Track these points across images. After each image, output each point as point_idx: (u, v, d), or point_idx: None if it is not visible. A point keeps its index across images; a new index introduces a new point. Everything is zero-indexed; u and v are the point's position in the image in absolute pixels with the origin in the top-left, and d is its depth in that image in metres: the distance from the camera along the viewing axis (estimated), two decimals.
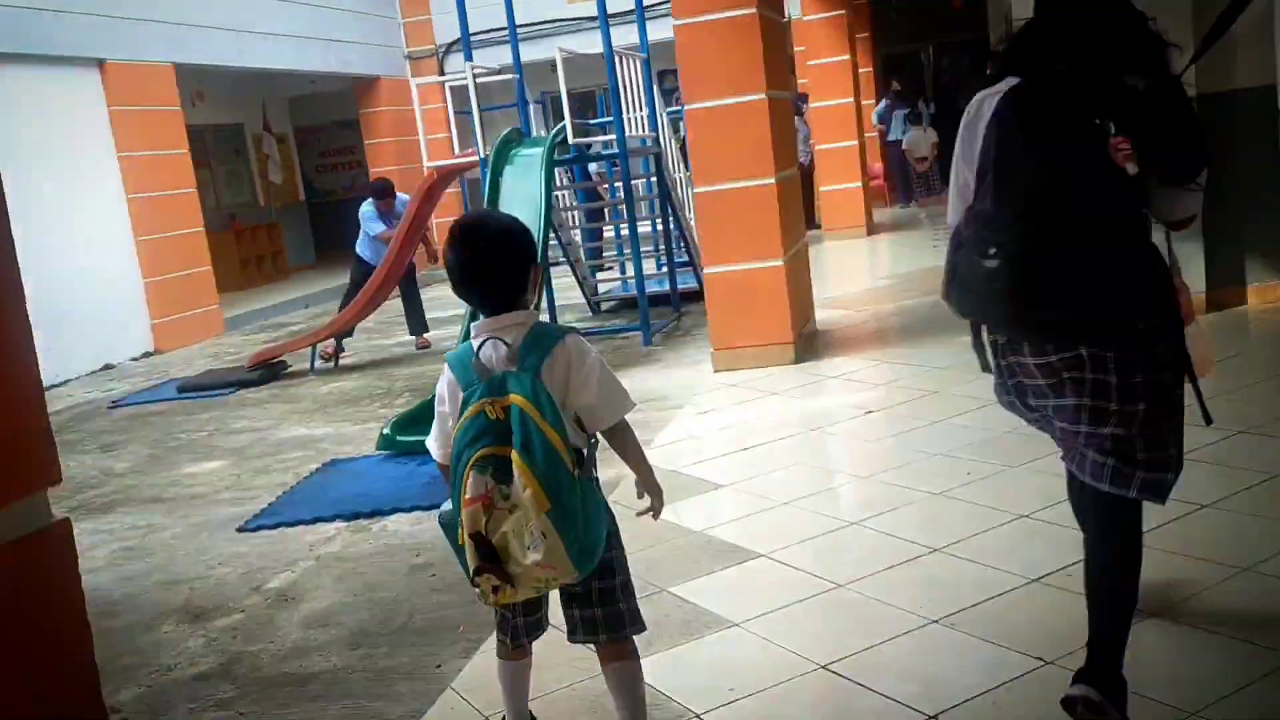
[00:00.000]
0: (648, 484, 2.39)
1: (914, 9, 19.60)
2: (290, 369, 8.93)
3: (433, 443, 2.36)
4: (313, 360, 8.75)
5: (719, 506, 4.27)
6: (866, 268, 10.81)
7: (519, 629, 2.39)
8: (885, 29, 19.54)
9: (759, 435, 5.11)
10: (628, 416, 2.32)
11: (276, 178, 17.05)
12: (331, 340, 8.70)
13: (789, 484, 4.39)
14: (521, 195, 7.36)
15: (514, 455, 2.08)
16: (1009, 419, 2.69)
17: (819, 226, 13.47)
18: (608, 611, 2.30)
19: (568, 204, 10.19)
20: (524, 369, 2.16)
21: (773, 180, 6.36)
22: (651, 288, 8.66)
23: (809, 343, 6.90)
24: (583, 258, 10.07)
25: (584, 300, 10.15)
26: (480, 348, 2.20)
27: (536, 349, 2.19)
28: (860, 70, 15.55)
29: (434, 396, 2.39)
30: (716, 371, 6.51)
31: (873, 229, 13.06)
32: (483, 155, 7.87)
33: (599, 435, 2.32)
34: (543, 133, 8.73)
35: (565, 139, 7.75)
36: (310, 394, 7.97)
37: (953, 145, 2.53)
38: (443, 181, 8.66)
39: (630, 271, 9.39)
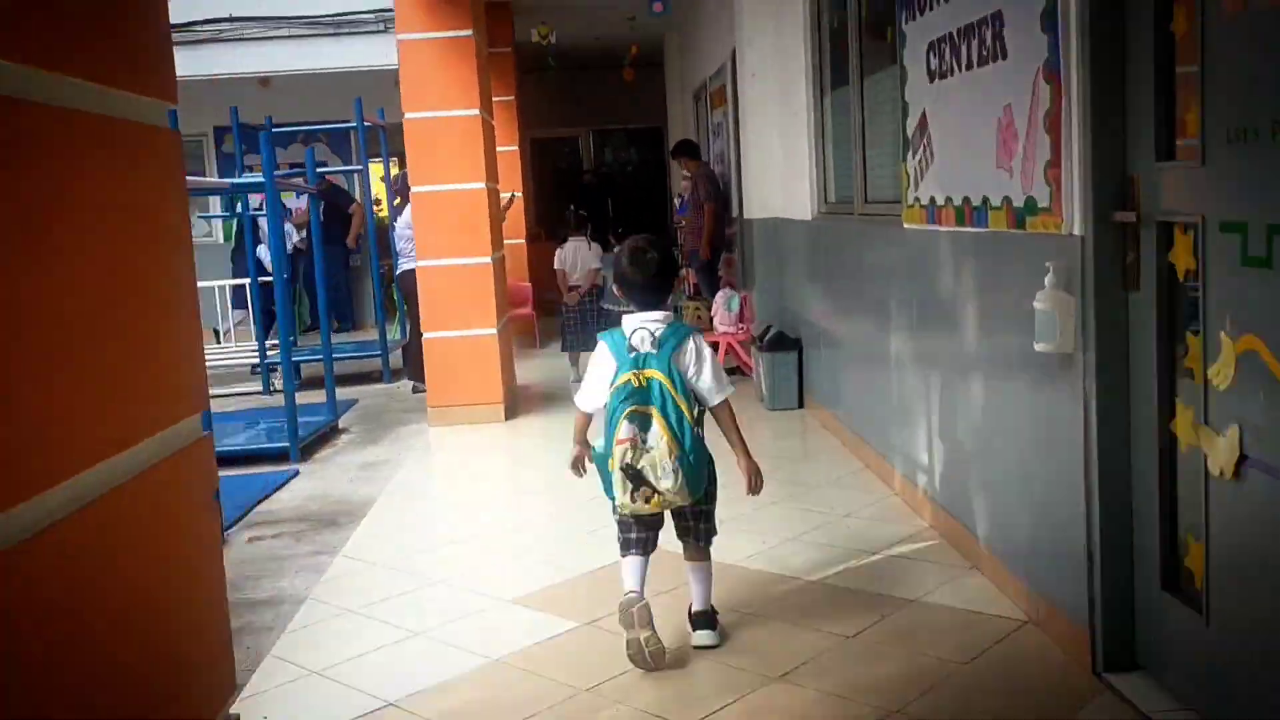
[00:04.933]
0: (742, 461, 3.34)
1: (574, 79, 14.98)
2: None
3: (585, 400, 3.34)
4: None
5: None
6: (472, 550, 5.34)
7: (643, 541, 3.34)
8: (536, 99, 14.69)
9: None
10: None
11: None
12: None
13: None
14: None
15: (654, 413, 3.10)
16: None
17: (422, 389, 8.06)
18: (701, 526, 3.39)
19: None
20: (662, 353, 3.16)
21: None
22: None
23: None
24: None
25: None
26: (633, 334, 3.21)
27: (672, 339, 3.20)
28: (501, 148, 10.42)
29: None
30: None
31: (514, 405, 7.76)
32: None
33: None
34: None
35: None
36: None
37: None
38: None
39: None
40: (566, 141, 16.52)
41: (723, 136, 10.17)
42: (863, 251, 5.51)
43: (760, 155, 7.63)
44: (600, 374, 3.27)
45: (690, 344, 3.23)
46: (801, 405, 7.11)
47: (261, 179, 6.91)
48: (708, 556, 3.44)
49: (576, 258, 8.70)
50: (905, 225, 4.55)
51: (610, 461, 3.14)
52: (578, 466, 3.43)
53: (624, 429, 3.09)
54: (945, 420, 4.27)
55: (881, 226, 5.12)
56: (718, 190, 9.50)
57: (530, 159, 15.58)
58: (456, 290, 7.21)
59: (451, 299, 7.23)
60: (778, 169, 7.46)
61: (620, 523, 3.35)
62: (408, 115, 7.05)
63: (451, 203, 7.12)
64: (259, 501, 5.99)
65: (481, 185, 7.20)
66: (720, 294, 8.43)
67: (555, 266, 8.81)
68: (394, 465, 6.57)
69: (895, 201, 4.99)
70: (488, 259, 7.25)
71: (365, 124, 10.28)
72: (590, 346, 8.97)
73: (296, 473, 6.61)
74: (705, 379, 3.22)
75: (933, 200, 4.16)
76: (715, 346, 8.37)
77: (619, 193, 15.28)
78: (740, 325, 8.23)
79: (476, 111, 7.10)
